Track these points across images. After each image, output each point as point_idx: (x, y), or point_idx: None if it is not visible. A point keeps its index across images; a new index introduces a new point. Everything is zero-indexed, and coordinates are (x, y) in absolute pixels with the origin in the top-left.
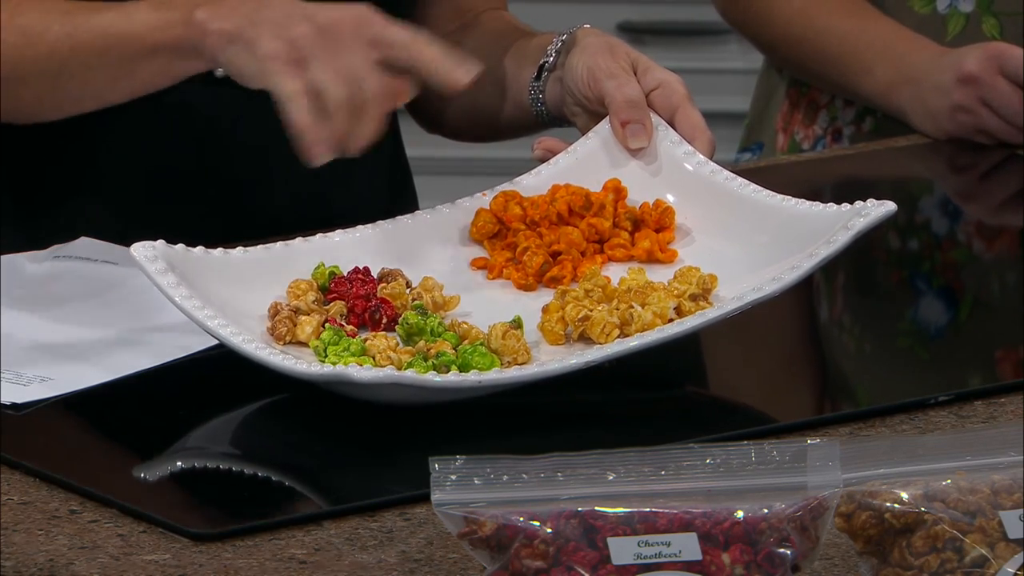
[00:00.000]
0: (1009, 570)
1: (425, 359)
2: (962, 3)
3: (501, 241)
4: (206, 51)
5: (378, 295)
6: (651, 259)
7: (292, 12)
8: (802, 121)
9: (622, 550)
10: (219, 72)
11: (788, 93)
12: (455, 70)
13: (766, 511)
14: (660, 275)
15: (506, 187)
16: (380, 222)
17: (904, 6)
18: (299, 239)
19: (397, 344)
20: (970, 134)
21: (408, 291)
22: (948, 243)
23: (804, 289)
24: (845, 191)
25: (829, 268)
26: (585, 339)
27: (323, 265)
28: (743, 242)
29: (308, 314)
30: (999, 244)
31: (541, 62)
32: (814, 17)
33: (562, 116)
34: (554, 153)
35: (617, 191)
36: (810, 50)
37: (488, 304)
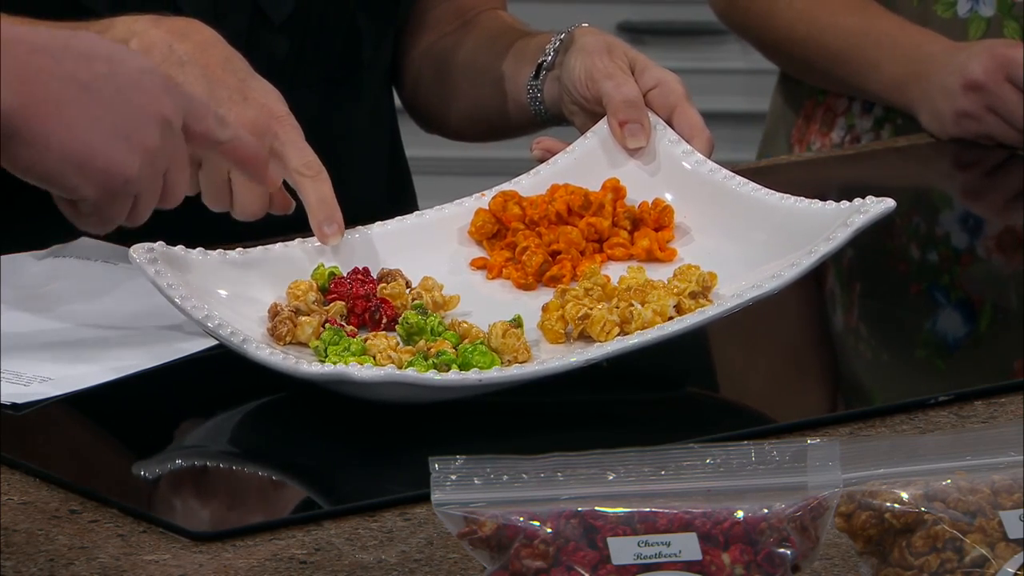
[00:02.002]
0: (1009, 570)
1: (425, 358)
2: (983, 7)
3: (500, 241)
4: None
5: (378, 295)
6: (650, 258)
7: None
8: (819, 130)
9: (622, 550)
10: None
11: (803, 106)
12: (322, 225)
13: (766, 511)
14: (659, 274)
15: (505, 187)
16: (380, 222)
17: (927, 10)
18: (298, 240)
19: (397, 344)
20: (975, 138)
21: (408, 291)
22: (967, 256)
23: (809, 290)
24: (846, 192)
25: (846, 276)
26: (585, 337)
27: (323, 266)
28: (742, 240)
29: (308, 314)
30: (1018, 257)
31: (539, 61)
32: (818, 16)
33: (560, 115)
34: (553, 153)
35: (616, 190)
36: (815, 48)
37: (488, 303)
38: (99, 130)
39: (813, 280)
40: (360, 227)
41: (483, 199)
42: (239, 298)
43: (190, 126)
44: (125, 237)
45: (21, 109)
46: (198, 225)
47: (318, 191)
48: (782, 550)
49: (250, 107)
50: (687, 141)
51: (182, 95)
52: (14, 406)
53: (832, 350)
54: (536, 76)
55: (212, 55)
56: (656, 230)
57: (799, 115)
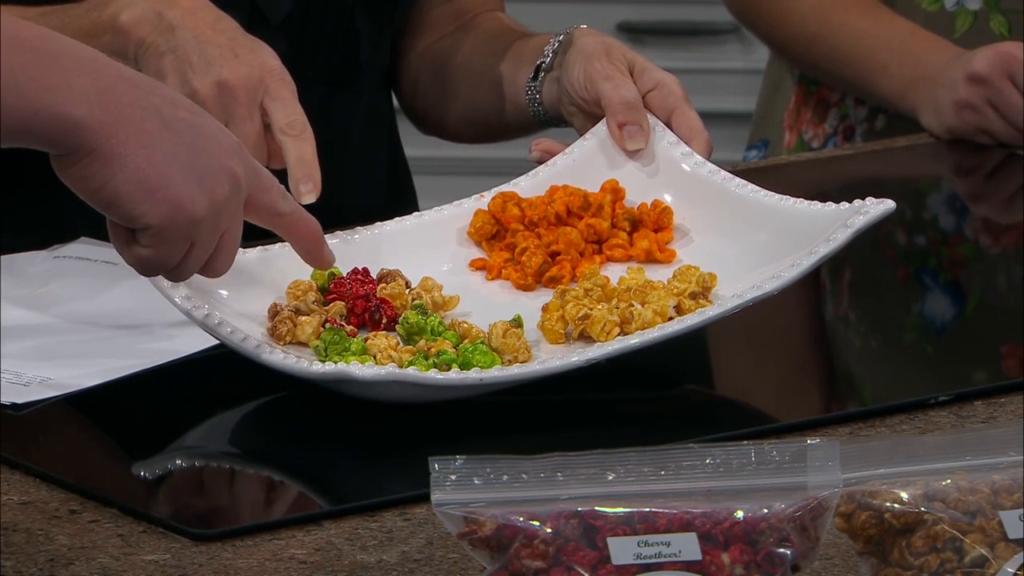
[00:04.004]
0: (1009, 570)
1: (426, 358)
2: (970, 1)
3: (500, 242)
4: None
5: (378, 295)
6: (650, 259)
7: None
8: (811, 120)
9: (622, 550)
10: None
11: (796, 91)
12: (299, 184)
13: (766, 511)
14: (659, 275)
15: (504, 188)
16: (380, 222)
17: (913, 4)
18: None
19: (397, 344)
20: (972, 133)
21: (408, 291)
22: (955, 239)
23: (804, 289)
24: (846, 191)
25: (834, 265)
26: (585, 338)
27: None
28: (741, 241)
29: (308, 314)
30: (1005, 240)
31: (538, 63)
32: (829, 15)
33: (559, 117)
34: (552, 154)
35: (615, 192)
36: (824, 48)
37: (487, 304)
38: (176, 165)
39: (813, 280)
40: (360, 227)
41: (482, 200)
42: (239, 298)
43: (255, 196)
44: None
45: (103, 126)
46: None
47: (299, 150)
48: (782, 550)
49: (242, 63)
50: (686, 142)
51: (252, 165)
52: (14, 406)
53: (831, 348)
54: (535, 78)
55: (201, 17)
56: (655, 231)
57: (791, 95)
